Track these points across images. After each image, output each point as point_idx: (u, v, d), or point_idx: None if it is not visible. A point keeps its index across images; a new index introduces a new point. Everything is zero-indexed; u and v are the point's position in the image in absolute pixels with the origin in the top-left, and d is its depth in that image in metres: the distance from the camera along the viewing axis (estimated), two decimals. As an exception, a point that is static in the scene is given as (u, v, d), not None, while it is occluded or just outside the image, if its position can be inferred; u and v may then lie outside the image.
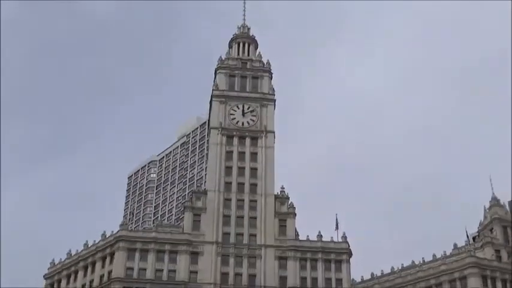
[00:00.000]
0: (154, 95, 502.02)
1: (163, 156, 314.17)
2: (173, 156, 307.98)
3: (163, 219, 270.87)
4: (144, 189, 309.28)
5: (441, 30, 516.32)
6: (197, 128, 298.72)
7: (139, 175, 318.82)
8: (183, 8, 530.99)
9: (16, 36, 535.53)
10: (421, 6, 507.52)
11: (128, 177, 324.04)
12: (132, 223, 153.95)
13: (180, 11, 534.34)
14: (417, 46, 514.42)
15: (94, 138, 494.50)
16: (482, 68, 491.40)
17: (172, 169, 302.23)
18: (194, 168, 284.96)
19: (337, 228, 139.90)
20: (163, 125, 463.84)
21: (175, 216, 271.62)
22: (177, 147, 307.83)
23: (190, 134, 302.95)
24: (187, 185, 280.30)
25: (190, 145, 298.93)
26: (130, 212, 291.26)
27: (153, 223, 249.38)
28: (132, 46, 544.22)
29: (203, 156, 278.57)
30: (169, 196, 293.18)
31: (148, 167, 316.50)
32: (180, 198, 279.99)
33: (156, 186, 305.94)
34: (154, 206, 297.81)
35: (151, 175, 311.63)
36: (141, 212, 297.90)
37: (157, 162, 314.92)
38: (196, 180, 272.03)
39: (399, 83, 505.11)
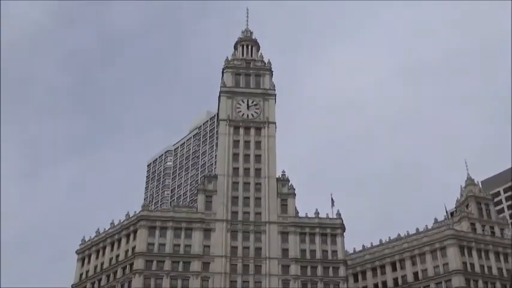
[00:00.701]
0: (169, 94, 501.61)
1: (178, 146, 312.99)
2: (187, 146, 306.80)
3: (179, 201, 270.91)
4: (161, 175, 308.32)
5: (416, 33, 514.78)
6: (207, 121, 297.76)
7: (157, 163, 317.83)
8: (193, 17, 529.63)
9: (48, 45, 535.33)
10: (401, 13, 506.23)
11: (147, 165, 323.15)
12: (151, 205, 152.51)
13: (190, 20, 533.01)
14: (398, 46, 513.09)
15: (119, 132, 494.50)
16: (455, 63, 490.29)
17: (186, 157, 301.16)
18: (205, 156, 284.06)
19: (332, 205, 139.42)
20: (178, 119, 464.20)
21: (189, 198, 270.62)
22: (190, 138, 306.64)
23: (201, 126, 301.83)
24: (199, 171, 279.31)
25: (201, 136, 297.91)
26: (150, 195, 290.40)
27: (170, 205, 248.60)
28: (150, 53, 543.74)
29: (213, 145, 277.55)
30: (184, 181, 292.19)
31: (165, 155, 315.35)
32: (193, 182, 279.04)
33: (172, 172, 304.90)
34: (171, 190, 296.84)
35: (168, 163, 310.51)
36: (160, 195, 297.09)
37: (173, 152, 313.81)
38: (207, 167, 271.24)
39: (384, 77, 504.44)
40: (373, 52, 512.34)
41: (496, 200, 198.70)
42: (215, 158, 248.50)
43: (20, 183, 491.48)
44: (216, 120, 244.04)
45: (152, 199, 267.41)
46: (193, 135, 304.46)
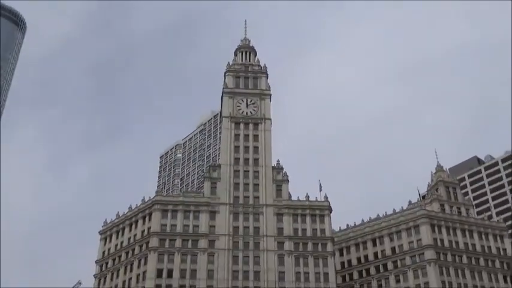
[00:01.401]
0: (179, 95, 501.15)
1: (187, 141, 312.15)
2: (194, 140, 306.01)
3: (188, 188, 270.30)
4: (172, 166, 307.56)
5: (396, 36, 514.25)
6: (211, 118, 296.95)
7: (168, 155, 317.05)
8: (199, 30, 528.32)
9: (75, 52, 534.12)
10: (384, 19, 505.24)
11: (160, 157, 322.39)
12: (164, 191, 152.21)
13: (196, 32, 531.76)
14: (379, 49, 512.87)
15: (135, 129, 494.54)
16: (428, 64, 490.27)
17: (193, 150, 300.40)
18: (210, 148, 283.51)
19: (320, 190, 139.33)
20: (186, 117, 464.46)
21: (196, 185, 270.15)
22: (197, 133, 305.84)
23: (206, 123, 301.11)
24: (205, 162, 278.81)
25: (206, 132, 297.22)
26: (162, 183, 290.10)
27: (180, 191, 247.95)
28: (162, 60, 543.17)
29: (216, 139, 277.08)
30: (192, 170, 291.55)
31: (175, 149, 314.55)
32: (199, 171, 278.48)
33: (182, 163, 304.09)
34: (181, 178, 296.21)
35: (178, 155, 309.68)
36: (171, 182, 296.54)
37: (182, 145, 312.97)
38: (212, 158, 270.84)
39: (367, 77, 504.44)
40: (357, 56, 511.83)
41: (461, 184, 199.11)
42: (219, 150, 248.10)
43: (49, 174, 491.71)
44: (219, 117, 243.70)
45: (164, 186, 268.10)
46: (200, 131, 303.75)
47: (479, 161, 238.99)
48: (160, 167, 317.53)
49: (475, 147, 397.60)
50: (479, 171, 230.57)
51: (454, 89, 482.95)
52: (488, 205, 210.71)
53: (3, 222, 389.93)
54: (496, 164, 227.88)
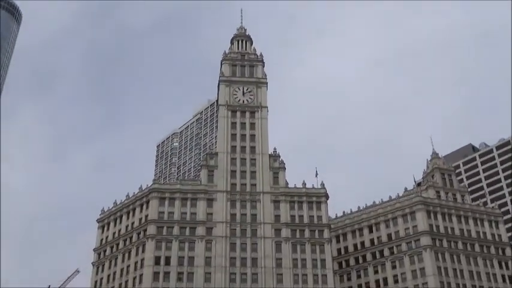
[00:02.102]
0: (175, 85, 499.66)
1: (183, 129, 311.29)
2: (190, 129, 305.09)
3: (185, 176, 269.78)
4: (169, 155, 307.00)
5: (392, 23, 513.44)
6: (208, 107, 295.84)
7: (165, 144, 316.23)
8: (195, 19, 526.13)
9: (72, 42, 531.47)
10: (380, 5, 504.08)
11: (157, 146, 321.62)
12: (161, 180, 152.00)
13: (193, 21, 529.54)
14: (375, 36, 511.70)
15: (132, 118, 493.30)
16: (421, 54, 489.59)
17: (190, 139, 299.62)
18: (206, 137, 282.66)
19: (316, 175, 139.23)
20: (183, 106, 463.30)
21: (193, 174, 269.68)
22: (193, 122, 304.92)
23: (203, 112, 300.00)
24: (201, 150, 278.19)
25: (203, 120, 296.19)
26: (159, 172, 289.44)
27: (177, 179, 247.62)
28: (160, 49, 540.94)
29: (213, 128, 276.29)
30: (188, 159, 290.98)
31: (171, 137, 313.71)
32: (196, 160, 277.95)
33: (178, 152, 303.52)
34: (177, 167, 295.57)
35: (174, 144, 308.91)
36: (168, 171, 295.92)
37: (179, 134, 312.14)
38: (208, 146, 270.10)
39: (362, 68, 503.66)
40: (353, 43, 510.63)
41: (456, 171, 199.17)
42: (215, 138, 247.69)
43: (47, 162, 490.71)
44: (215, 106, 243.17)
45: (161, 175, 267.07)
46: (196, 120, 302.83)
47: (474, 149, 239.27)
48: (157, 156, 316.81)
49: (470, 135, 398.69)
50: (474, 159, 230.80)
51: (449, 76, 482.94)
52: (483, 192, 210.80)
53: (2, 210, 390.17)
54: (491, 151, 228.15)
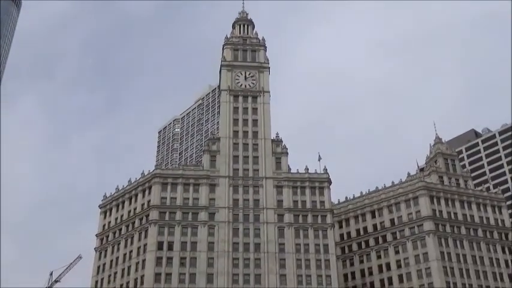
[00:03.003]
0: (176, 70, 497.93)
1: (185, 115, 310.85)
2: (192, 115, 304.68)
3: (187, 162, 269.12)
4: (170, 141, 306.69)
5: (396, 8, 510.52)
6: (209, 93, 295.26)
7: (166, 130, 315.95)
8: (195, 4, 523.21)
9: (72, 28, 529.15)
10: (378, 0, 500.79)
11: (158, 132, 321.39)
12: (162, 166, 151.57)
13: (193, 5, 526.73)
14: (378, 21, 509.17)
15: (133, 104, 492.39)
16: (424, 39, 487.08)
17: (191, 125, 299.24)
18: (208, 123, 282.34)
19: (319, 159, 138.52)
20: (184, 92, 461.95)
21: (195, 160, 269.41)
22: (195, 108, 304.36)
23: (204, 97, 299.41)
24: (203, 136, 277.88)
25: (204, 106, 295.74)
26: (161, 158, 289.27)
27: (179, 165, 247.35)
28: (160, 35, 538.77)
29: (214, 114, 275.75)
30: (190, 145, 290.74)
31: (173, 123, 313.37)
32: (198, 146, 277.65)
33: (180, 138, 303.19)
34: (179, 153, 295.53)
35: (176, 130, 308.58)
36: (169, 157, 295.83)
37: (180, 120, 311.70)
38: (210, 132, 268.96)
39: (363, 53, 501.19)
40: (354, 28, 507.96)
41: (459, 157, 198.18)
42: (217, 124, 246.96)
43: (48, 148, 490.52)
44: (217, 91, 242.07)
45: (163, 161, 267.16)
46: (198, 106, 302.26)
47: (477, 134, 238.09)
48: (158, 142, 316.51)
49: (472, 120, 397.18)
50: (477, 144, 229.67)
51: (452, 61, 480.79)
52: (485, 177, 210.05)
53: (5, 197, 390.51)
54: (494, 136, 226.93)
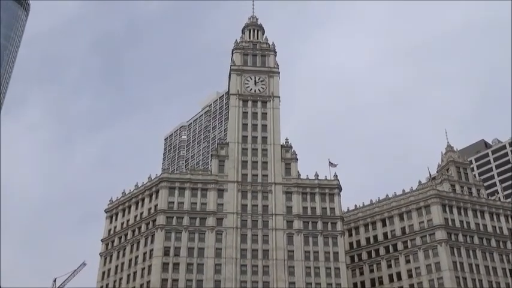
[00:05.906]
0: (184, 76, 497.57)
1: (191, 122, 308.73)
2: (199, 122, 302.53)
3: (194, 168, 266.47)
4: (177, 147, 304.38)
5: (405, 16, 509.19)
6: (217, 99, 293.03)
7: (173, 137, 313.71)
8: (205, 8, 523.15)
9: (80, 31, 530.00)
10: (389, 6, 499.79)
11: (165, 139, 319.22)
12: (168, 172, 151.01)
13: (202, 11, 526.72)
14: (388, 29, 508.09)
15: (140, 109, 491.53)
16: (435, 46, 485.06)
17: (198, 132, 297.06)
18: (215, 130, 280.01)
19: (330, 165, 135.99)
20: (191, 99, 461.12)
21: (202, 167, 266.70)
22: (202, 114, 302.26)
23: (211, 104, 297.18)
24: (210, 143, 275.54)
25: (211, 113, 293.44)
26: (167, 165, 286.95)
27: (186, 170, 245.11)
28: (167, 40, 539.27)
29: (222, 121, 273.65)
30: (197, 152, 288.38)
31: (180, 130, 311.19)
32: (205, 153, 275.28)
33: (186, 145, 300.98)
34: (185, 160, 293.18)
35: (183, 137, 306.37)
36: (175, 164, 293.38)
37: (187, 127, 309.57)
38: (217, 139, 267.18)
39: (375, 58, 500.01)
40: (366, 35, 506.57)
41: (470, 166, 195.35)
42: (224, 131, 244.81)
43: (55, 151, 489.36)
44: (224, 98, 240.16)
45: (169, 168, 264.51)
46: (205, 113, 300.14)
47: (487, 145, 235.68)
48: (164, 149, 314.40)
49: (482, 131, 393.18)
50: (487, 155, 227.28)
51: (462, 71, 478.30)
52: (495, 188, 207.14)
53: (9, 200, 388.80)
54: (504, 147, 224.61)
